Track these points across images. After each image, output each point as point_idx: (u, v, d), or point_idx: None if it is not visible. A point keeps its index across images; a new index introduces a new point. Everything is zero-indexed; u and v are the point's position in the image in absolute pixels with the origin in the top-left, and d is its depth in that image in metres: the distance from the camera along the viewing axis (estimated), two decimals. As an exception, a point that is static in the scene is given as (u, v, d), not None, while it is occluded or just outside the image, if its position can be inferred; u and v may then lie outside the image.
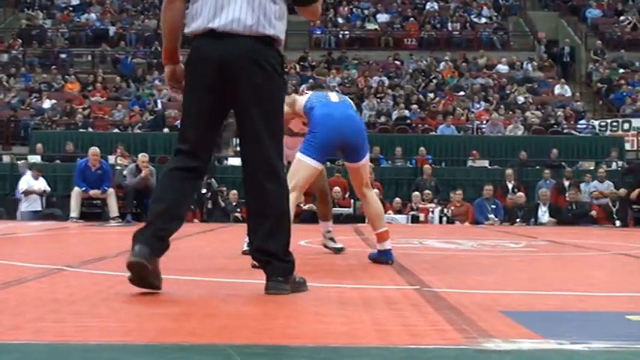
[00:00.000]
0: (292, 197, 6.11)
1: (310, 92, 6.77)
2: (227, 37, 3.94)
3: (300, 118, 6.71)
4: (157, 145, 21.02)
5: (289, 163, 6.48)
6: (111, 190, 15.80)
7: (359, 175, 6.48)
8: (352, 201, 18.16)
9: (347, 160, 6.46)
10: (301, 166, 6.23)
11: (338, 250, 7.34)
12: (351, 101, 6.78)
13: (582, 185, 18.37)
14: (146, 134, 22.08)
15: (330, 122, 6.24)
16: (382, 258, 6.28)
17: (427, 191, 18.15)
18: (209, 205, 17.69)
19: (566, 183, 18.13)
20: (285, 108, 6.28)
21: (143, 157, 16.64)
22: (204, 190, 17.83)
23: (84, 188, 15.56)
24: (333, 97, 6.60)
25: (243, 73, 3.92)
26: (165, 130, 22.54)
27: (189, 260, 6.13)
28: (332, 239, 7.43)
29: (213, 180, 18.16)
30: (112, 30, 30.53)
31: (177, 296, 3.98)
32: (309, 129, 6.37)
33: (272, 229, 3.99)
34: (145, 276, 3.83)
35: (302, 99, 6.59)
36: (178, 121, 22.68)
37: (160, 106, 24.39)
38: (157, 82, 26.21)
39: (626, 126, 22.63)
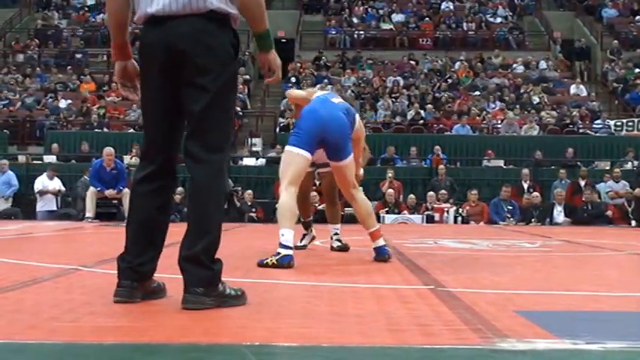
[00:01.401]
0: (289, 193, 6.21)
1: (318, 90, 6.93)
2: (168, 20, 3.57)
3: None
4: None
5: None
6: (126, 190, 15.83)
7: (343, 175, 6.58)
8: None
9: (330, 159, 6.55)
10: (291, 159, 6.29)
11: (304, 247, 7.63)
12: (350, 107, 6.79)
13: (599, 185, 18.30)
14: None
15: (314, 116, 6.42)
16: (379, 256, 6.39)
17: (442, 191, 18.13)
18: (225, 205, 17.71)
19: (582, 183, 18.06)
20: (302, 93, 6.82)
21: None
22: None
23: (99, 188, 15.61)
24: (334, 99, 6.76)
25: (190, 54, 3.53)
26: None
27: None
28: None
29: (229, 181, 18.17)
30: (127, 30, 30.58)
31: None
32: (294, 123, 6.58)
33: (201, 228, 3.57)
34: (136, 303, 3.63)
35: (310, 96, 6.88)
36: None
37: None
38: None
39: (641, 126, 22.54)
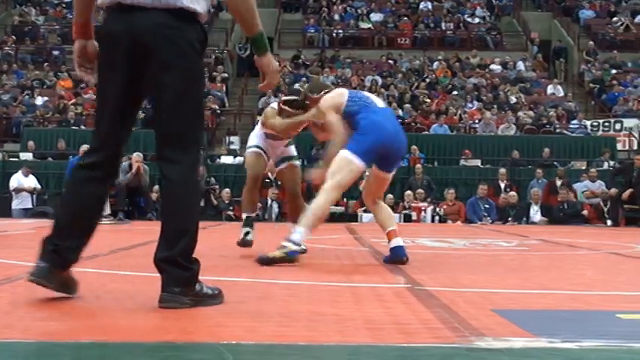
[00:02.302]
0: (333, 195, 6.10)
1: (344, 90, 6.49)
2: (137, 10, 3.48)
3: (318, 128, 6.46)
4: (148, 142, 20.92)
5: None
6: (103, 188, 15.76)
7: (384, 184, 6.48)
8: (345, 200, 18.19)
9: (382, 169, 6.30)
10: (349, 165, 5.97)
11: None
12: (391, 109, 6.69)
13: (575, 185, 18.43)
14: (138, 132, 21.97)
15: (385, 132, 6.09)
16: (396, 256, 6.19)
17: (420, 190, 18.18)
18: (202, 203, 17.68)
19: (559, 182, 18.17)
20: (330, 112, 6.08)
21: (137, 156, 16.63)
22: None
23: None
24: (379, 102, 6.41)
25: (153, 49, 3.44)
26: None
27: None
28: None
29: (212, 179, 18.15)
30: (104, 27, 30.45)
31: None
32: (356, 131, 6.05)
33: (177, 229, 3.52)
34: (48, 288, 3.57)
35: (343, 99, 6.20)
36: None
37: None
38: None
39: (617, 126, 22.68)
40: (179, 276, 3.47)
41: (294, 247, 5.76)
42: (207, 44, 3.70)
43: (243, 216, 7.11)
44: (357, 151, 5.96)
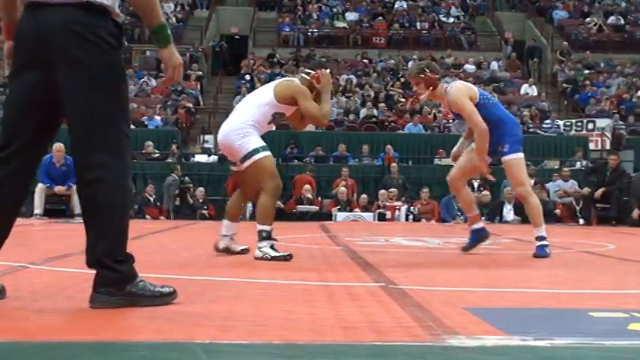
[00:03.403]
0: (536, 198, 7.19)
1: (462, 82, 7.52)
2: (45, 6, 3.40)
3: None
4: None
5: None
6: (75, 187, 15.66)
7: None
8: (320, 199, 18.22)
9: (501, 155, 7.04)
10: (523, 165, 7.09)
11: (244, 251, 6.67)
12: None
13: (548, 184, 18.54)
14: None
15: (516, 123, 7.42)
16: (476, 237, 7.23)
17: (394, 189, 18.22)
18: (176, 202, 17.63)
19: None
20: (464, 99, 6.83)
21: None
22: (171, 187, 17.77)
23: (48, 184, 15.42)
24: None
25: (61, 46, 3.37)
26: (132, 126, 22.39)
27: (156, 257, 6.10)
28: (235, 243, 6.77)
29: (187, 178, 18.08)
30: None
31: (142, 293, 3.95)
32: (506, 129, 6.99)
33: (98, 231, 3.45)
34: None
35: (474, 88, 7.12)
36: (145, 117, 22.34)
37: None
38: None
39: (590, 126, 22.82)
40: (106, 277, 3.42)
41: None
42: (123, 39, 3.59)
43: (266, 228, 6.37)
44: (520, 150, 7.15)
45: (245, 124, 6.40)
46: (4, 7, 3.66)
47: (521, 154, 7.05)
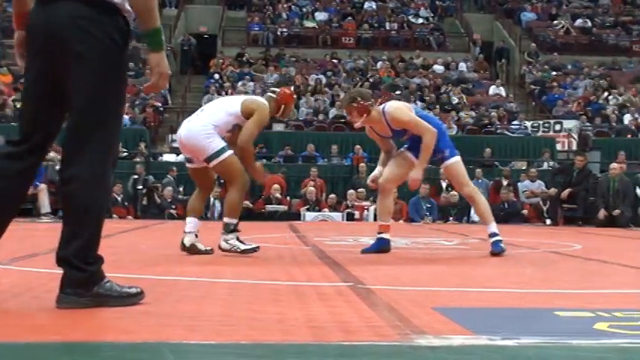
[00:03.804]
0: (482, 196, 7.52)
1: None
2: (55, 1, 3.42)
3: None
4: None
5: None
6: (42, 186, 15.54)
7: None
8: (289, 199, 18.21)
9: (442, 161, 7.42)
10: (463, 166, 7.42)
11: (209, 252, 6.72)
12: None
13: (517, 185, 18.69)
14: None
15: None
16: (379, 246, 7.22)
17: (362, 189, 18.25)
18: (144, 202, 17.54)
19: (505, 182, 18.39)
20: (405, 111, 7.28)
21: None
22: (140, 187, 17.68)
23: (15, 183, 15.25)
24: None
25: (66, 39, 3.38)
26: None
27: (123, 257, 6.07)
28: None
29: (151, 177, 18.01)
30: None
31: (110, 293, 3.93)
32: (441, 137, 7.28)
33: (72, 229, 3.42)
34: None
35: (409, 105, 7.71)
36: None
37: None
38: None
39: (557, 127, 22.99)
40: (73, 277, 3.39)
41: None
42: (130, 38, 3.56)
43: (233, 221, 6.64)
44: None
45: (210, 125, 6.59)
46: None
47: (459, 157, 7.40)
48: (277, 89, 7.01)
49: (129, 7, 3.48)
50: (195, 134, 6.58)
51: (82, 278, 3.40)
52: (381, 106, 7.36)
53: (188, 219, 6.82)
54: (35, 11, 3.50)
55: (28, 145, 3.49)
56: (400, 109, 7.32)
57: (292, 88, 7.16)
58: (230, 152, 6.57)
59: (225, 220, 6.66)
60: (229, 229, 6.60)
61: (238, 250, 6.54)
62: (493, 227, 7.24)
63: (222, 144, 6.56)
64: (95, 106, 3.40)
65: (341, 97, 24.76)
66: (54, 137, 3.58)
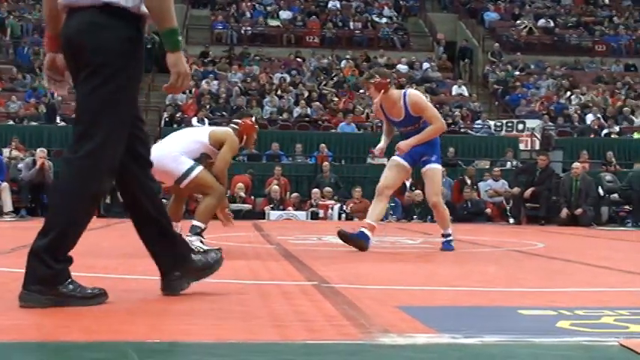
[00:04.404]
0: (445, 206, 7.84)
1: None
2: (73, 11, 3.52)
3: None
4: (52, 138, 20.55)
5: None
6: (5, 184, 15.38)
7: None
8: (253, 198, 18.18)
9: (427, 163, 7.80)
10: (441, 177, 7.97)
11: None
12: None
13: (479, 184, 18.78)
14: (42, 127, 21.59)
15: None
16: (360, 237, 7.47)
17: (327, 188, 18.28)
18: (107, 200, 17.40)
19: (469, 181, 18.49)
20: (426, 101, 7.95)
21: (41, 152, 16.29)
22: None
23: (-24, 182, 15.11)
24: None
25: (79, 47, 3.47)
26: (62, 123, 22.09)
27: (86, 256, 6.02)
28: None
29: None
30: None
31: (72, 292, 3.89)
32: (436, 142, 7.85)
33: (51, 219, 3.49)
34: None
35: None
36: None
37: (56, 97, 23.85)
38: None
39: (520, 127, 23.17)
40: (39, 274, 3.38)
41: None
42: (142, 43, 3.63)
43: (201, 226, 6.78)
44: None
45: (177, 152, 6.74)
46: (50, 19, 3.72)
47: (441, 167, 7.90)
48: (239, 120, 7.21)
49: (145, 9, 3.53)
50: (162, 160, 6.58)
51: (47, 275, 3.38)
52: (403, 90, 7.75)
53: None
54: (63, 26, 3.59)
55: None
56: (422, 97, 7.85)
57: (253, 119, 7.37)
58: (199, 168, 6.69)
59: (195, 222, 6.75)
60: (195, 232, 6.68)
61: (201, 250, 6.48)
62: (449, 230, 7.83)
63: (190, 163, 6.67)
64: (88, 110, 3.48)
65: (305, 96, 24.84)
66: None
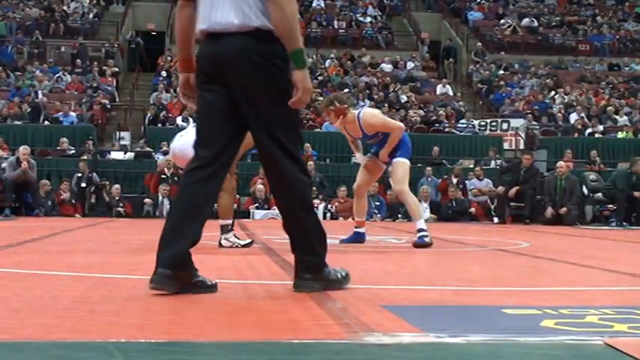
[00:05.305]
0: (413, 196, 8.40)
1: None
2: (222, 36, 3.88)
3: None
4: (37, 137, 20.49)
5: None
6: (-11, 185, 15.32)
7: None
8: (238, 197, 18.15)
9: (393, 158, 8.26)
10: (407, 169, 8.25)
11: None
12: None
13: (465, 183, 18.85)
14: (26, 126, 21.51)
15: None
16: (355, 238, 8.41)
17: (314, 187, 18.28)
18: (92, 200, 17.36)
19: (455, 180, 18.53)
20: (377, 116, 8.44)
21: (24, 149, 16.22)
22: (84, 185, 17.51)
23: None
24: None
25: (235, 69, 3.85)
26: (46, 122, 22.02)
27: (71, 256, 6.00)
28: None
29: (95, 174, 17.85)
30: (-9, 18, 29.60)
31: (57, 292, 3.89)
32: (403, 144, 8.18)
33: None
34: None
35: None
36: (60, 113, 22.06)
37: (40, 97, 23.77)
38: (37, 72, 25.58)
39: (504, 126, 23.24)
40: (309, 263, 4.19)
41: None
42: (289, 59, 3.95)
43: (227, 222, 7.57)
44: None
45: None
46: (182, 44, 4.15)
47: (408, 161, 8.22)
48: None
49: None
50: (186, 148, 6.70)
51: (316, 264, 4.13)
52: (357, 111, 8.29)
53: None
54: (205, 45, 3.98)
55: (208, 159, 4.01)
56: (374, 115, 8.37)
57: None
58: None
59: (220, 222, 7.49)
60: (227, 230, 7.48)
61: (239, 245, 7.43)
62: (421, 224, 8.02)
63: None
64: (278, 119, 3.91)
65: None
66: (229, 151, 4.05)
